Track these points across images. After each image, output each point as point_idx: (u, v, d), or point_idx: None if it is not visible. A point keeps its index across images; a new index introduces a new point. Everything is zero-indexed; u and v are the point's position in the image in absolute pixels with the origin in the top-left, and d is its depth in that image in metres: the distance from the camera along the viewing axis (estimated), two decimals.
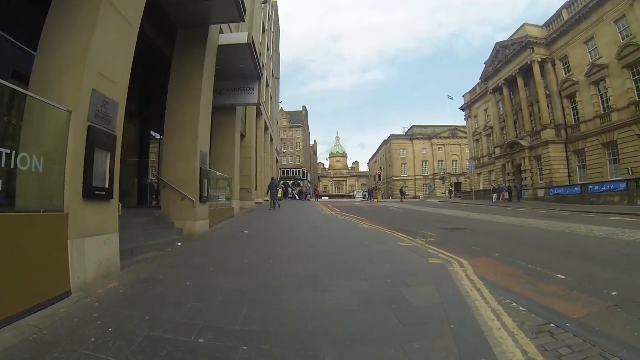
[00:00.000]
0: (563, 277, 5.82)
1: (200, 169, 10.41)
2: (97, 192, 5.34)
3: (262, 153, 28.50)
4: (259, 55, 15.33)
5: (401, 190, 56.43)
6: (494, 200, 33.84)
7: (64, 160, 4.84)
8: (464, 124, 62.84)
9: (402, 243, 9.33)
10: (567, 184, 31.35)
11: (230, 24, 14.58)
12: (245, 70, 14.91)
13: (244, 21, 12.17)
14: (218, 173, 13.94)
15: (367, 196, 53.09)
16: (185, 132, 10.46)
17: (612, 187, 25.34)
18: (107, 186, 5.59)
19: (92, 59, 5.35)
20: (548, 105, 33.91)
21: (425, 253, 7.98)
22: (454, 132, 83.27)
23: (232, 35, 13.58)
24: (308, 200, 46.79)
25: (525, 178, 36.52)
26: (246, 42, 12.70)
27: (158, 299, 4.54)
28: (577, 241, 9.82)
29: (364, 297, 4.69)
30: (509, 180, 38.94)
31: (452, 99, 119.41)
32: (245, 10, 11.38)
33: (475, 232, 12.31)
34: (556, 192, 30.86)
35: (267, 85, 32.85)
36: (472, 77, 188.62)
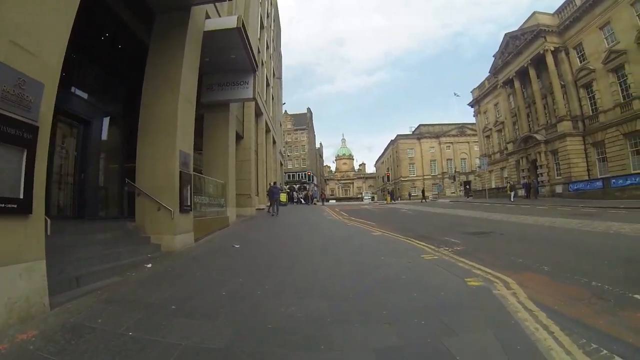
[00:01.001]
0: None
1: (181, 172, 8.77)
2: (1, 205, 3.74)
3: (264, 156, 26.79)
4: (252, 44, 13.68)
5: (422, 191, 54.41)
6: (511, 199, 31.44)
7: None
8: (473, 121, 61.01)
9: (425, 255, 7.67)
10: (587, 178, 29.50)
11: (220, 10, 13.11)
12: (238, 61, 13.30)
13: None
14: (207, 177, 12.31)
15: (389, 197, 50.80)
16: (161, 128, 8.85)
17: (637, 180, 23.53)
18: (20, 196, 4.02)
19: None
20: (563, 96, 32.07)
21: (457, 269, 6.38)
22: (461, 129, 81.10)
23: (219, 20, 11.99)
24: (314, 204, 45.05)
25: (542, 174, 34.52)
26: (235, 26, 11.06)
27: None
28: (632, 245, 8.25)
29: None
30: (523, 177, 36.99)
31: (458, 96, 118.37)
32: None
33: (505, 237, 10.60)
34: (576, 187, 29.00)
35: (268, 84, 31.36)
36: (477, 75, 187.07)
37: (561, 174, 32.00)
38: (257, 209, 21.32)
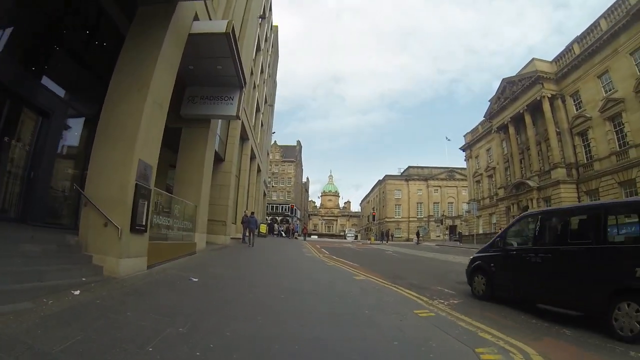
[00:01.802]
0: None
1: (137, 184, 7.41)
2: None
3: (246, 183, 25.39)
4: (242, 59, 12.65)
5: (417, 233, 51.80)
6: None
7: None
8: (462, 165, 60.75)
9: (419, 311, 6.33)
10: None
11: (213, 17, 12.11)
12: (224, 73, 12.23)
13: None
14: (174, 196, 10.93)
15: (382, 238, 48.44)
16: (120, 133, 7.58)
17: (632, 229, 22.47)
18: None
19: None
20: (558, 144, 31.76)
21: (461, 332, 5.12)
22: (450, 173, 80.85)
23: (208, 23, 10.92)
24: (295, 238, 43.42)
25: None
26: (224, 31, 9.99)
27: None
28: None
29: None
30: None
31: (449, 140, 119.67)
32: None
33: None
34: None
35: (258, 110, 30.44)
36: (469, 122, 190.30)
37: None
38: (232, 238, 19.79)
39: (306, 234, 48.00)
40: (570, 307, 6.48)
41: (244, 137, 23.70)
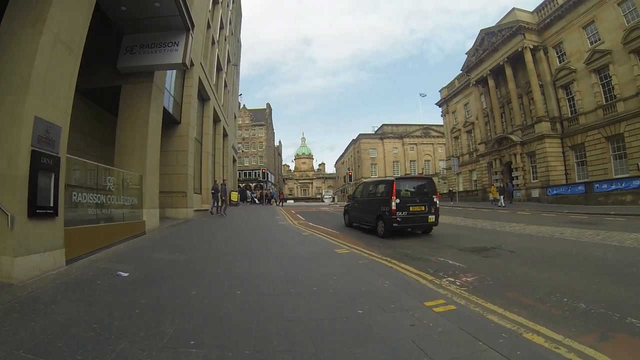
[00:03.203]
0: None
1: (35, 152, 5.34)
2: None
3: (210, 148, 22.91)
4: None
5: None
6: (501, 204, 27.11)
7: None
8: (438, 122, 59.14)
9: (431, 302, 4.57)
10: (564, 182, 27.91)
11: None
12: (165, 12, 10.00)
13: None
14: (100, 165, 8.71)
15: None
16: (7, 84, 5.41)
17: (623, 184, 22.08)
18: None
19: None
20: (541, 96, 30.37)
21: (507, 342, 3.42)
22: (426, 130, 79.37)
23: None
24: (270, 204, 41.55)
25: (517, 177, 32.38)
26: None
27: None
28: None
29: None
30: (496, 180, 34.74)
31: (424, 95, 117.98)
32: None
33: (520, 257, 7.89)
34: (555, 192, 27.24)
35: (220, 69, 27.82)
36: (441, 81, 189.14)
37: (538, 178, 30.15)
38: (196, 210, 17.82)
39: (282, 199, 46.15)
40: (367, 225, 12.68)
41: (204, 97, 21.28)
